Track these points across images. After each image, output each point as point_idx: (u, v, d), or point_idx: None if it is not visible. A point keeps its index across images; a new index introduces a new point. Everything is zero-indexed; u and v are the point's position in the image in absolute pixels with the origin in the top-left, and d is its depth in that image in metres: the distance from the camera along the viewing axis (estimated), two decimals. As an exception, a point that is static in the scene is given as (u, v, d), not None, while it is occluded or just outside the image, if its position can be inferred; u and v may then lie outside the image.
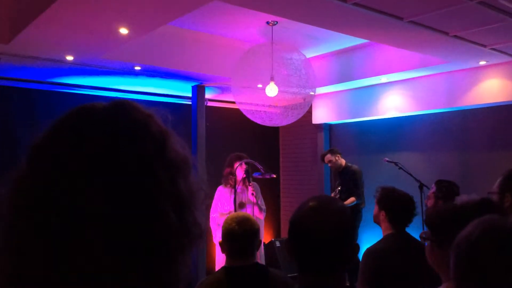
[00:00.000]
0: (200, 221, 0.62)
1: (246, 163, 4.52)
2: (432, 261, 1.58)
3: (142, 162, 0.55)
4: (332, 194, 5.57)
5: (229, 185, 4.63)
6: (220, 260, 4.58)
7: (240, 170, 4.54)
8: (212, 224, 4.60)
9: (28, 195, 0.54)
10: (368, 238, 5.58)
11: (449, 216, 1.56)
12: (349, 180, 5.58)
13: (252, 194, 4.49)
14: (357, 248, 1.32)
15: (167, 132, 0.61)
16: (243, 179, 4.53)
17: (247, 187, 4.57)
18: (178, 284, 0.60)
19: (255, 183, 4.73)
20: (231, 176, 4.59)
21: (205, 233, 0.64)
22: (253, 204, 4.51)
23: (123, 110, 0.59)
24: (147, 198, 0.55)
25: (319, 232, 1.27)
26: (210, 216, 4.66)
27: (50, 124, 0.58)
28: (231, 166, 4.62)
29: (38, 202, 0.53)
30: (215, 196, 4.71)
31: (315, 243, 1.28)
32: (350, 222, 1.33)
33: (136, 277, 0.54)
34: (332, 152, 5.75)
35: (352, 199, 5.48)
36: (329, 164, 5.78)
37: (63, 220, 0.52)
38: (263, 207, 4.71)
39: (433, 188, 3.54)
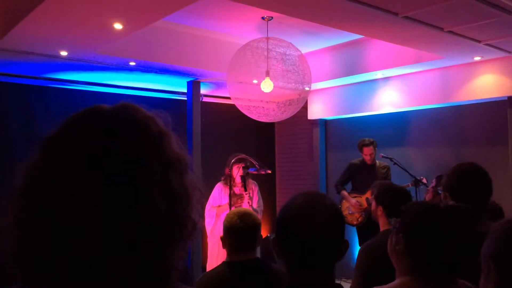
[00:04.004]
0: (194, 217, 0.67)
1: (243, 168, 4.53)
2: (388, 248, 1.58)
3: (138, 156, 0.62)
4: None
5: (227, 186, 4.67)
6: (212, 254, 4.60)
7: (237, 173, 4.58)
8: (206, 216, 4.71)
9: (38, 180, 0.62)
10: (363, 233, 5.61)
11: (416, 209, 1.57)
12: (378, 175, 5.35)
13: (248, 202, 4.53)
14: (346, 244, 1.30)
15: (166, 132, 0.68)
16: (241, 184, 4.58)
17: (245, 189, 4.60)
18: (170, 273, 0.65)
19: (254, 184, 4.76)
20: (227, 178, 4.63)
21: (199, 230, 0.69)
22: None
23: (125, 110, 0.68)
24: (139, 188, 0.61)
25: (307, 230, 1.25)
26: (206, 209, 4.73)
27: (63, 121, 0.66)
28: (230, 168, 4.64)
29: (45, 185, 0.61)
30: (213, 190, 4.75)
31: (304, 242, 1.25)
32: (339, 218, 1.31)
33: (127, 260, 0.60)
34: (374, 145, 5.47)
35: None
36: (367, 157, 5.44)
37: (64, 203, 0.59)
38: (261, 208, 4.74)
39: (433, 183, 3.56)
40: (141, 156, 0.63)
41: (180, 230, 0.65)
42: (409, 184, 5.09)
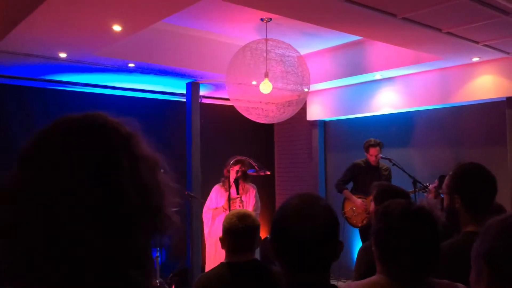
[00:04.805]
0: (168, 212, 0.74)
1: (237, 172, 4.53)
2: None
3: (109, 153, 0.70)
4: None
5: (224, 188, 4.68)
6: (210, 255, 4.61)
7: (234, 175, 4.59)
8: (203, 218, 4.75)
9: (23, 190, 0.67)
10: (363, 234, 5.60)
11: (379, 213, 1.59)
12: (381, 177, 5.34)
13: (239, 206, 4.54)
14: (341, 245, 1.31)
15: (134, 133, 0.76)
16: (235, 186, 4.58)
17: (237, 192, 4.60)
18: (147, 263, 0.72)
19: (252, 186, 4.75)
20: (226, 180, 4.62)
21: (175, 224, 0.76)
22: None
23: (94, 116, 0.75)
24: (110, 177, 0.68)
25: (302, 232, 1.25)
26: (203, 211, 4.76)
27: (37, 132, 0.73)
28: (228, 170, 4.64)
29: (31, 196, 0.67)
30: (211, 192, 4.77)
31: (298, 243, 1.25)
32: (333, 220, 1.31)
33: (102, 243, 0.66)
34: (381, 146, 5.43)
35: None
36: (372, 158, 5.41)
37: (46, 187, 0.66)
38: (257, 211, 4.73)
39: (436, 183, 3.55)
40: (112, 153, 0.70)
41: (154, 221, 0.72)
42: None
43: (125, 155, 0.71)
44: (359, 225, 5.46)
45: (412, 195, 4.54)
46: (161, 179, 0.75)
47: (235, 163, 4.59)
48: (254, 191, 4.80)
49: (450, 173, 2.15)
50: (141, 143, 0.76)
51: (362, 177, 5.46)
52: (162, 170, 0.77)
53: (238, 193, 4.57)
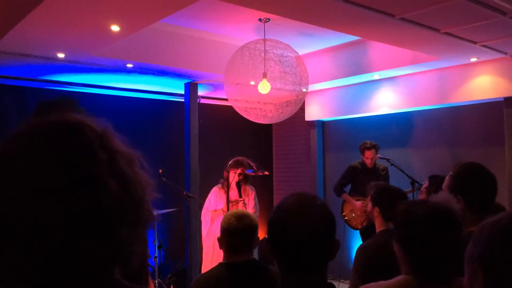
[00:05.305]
0: (148, 205, 0.76)
1: (239, 175, 4.50)
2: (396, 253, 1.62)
3: (84, 147, 0.72)
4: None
5: (223, 190, 4.65)
6: (207, 257, 4.60)
7: (233, 178, 4.54)
8: (202, 219, 4.72)
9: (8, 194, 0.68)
10: (361, 234, 5.59)
11: (404, 216, 1.59)
12: (378, 178, 5.30)
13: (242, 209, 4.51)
14: (337, 244, 1.31)
15: (108, 130, 0.78)
16: (237, 190, 4.55)
17: (239, 195, 4.58)
18: (131, 256, 0.73)
19: (251, 189, 4.74)
20: (225, 182, 4.59)
21: (154, 216, 0.78)
22: None
23: (66, 117, 0.77)
24: (89, 171, 0.70)
25: (298, 231, 1.26)
26: (202, 213, 4.74)
27: (14, 132, 0.75)
28: (227, 172, 4.60)
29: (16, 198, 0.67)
30: (209, 194, 4.75)
31: (295, 242, 1.26)
32: (330, 219, 1.31)
33: (86, 239, 0.67)
34: (376, 148, 5.39)
35: None
36: (368, 160, 5.39)
37: (28, 178, 0.67)
38: (256, 213, 4.72)
39: (426, 183, 3.56)
40: (87, 148, 0.72)
41: (138, 214, 0.73)
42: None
43: (101, 150, 0.72)
44: (359, 227, 5.45)
45: (409, 195, 4.55)
46: (140, 173, 0.77)
47: (236, 166, 4.53)
48: (254, 193, 4.78)
49: (450, 173, 2.15)
50: (115, 139, 0.77)
51: (359, 179, 5.44)
52: (139, 165, 0.78)
53: (240, 196, 4.51)
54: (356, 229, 5.51)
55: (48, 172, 0.68)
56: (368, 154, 5.36)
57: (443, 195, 3.16)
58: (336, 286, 4.71)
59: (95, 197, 0.68)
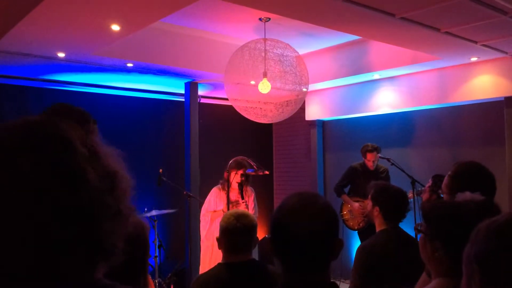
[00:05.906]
0: (127, 201, 0.78)
1: (241, 175, 4.46)
2: (424, 255, 1.56)
3: (63, 140, 0.74)
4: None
5: (223, 191, 4.62)
6: (205, 258, 4.57)
7: (233, 178, 4.49)
8: (201, 220, 4.69)
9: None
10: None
11: (448, 213, 1.53)
12: (379, 179, 5.10)
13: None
14: (340, 243, 1.30)
15: (85, 126, 0.82)
16: (238, 191, 4.50)
17: (241, 196, 4.54)
18: (114, 248, 0.74)
19: (251, 190, 4.72)
20: (225, 183, 4.55)
21: (134, 211, 0.80)
22: None
23: (44, 116, 0.81)
24: (68, 162, 0.71)
25: (302, 232, 1.25)
26: (201, 214, 4.70)
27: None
28: (228, 172, 4.52)
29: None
30: (209, 195, 4.71)
31: (297, 242, 1.25)
32: (333, 218, 1.31)
33: (67, 231, 0.68)
34: (378, 151, 5.36)
35: None
36: (370, 163, 5.37)
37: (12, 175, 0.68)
38: (256, 215, 4.68)
39: (430, 182, 3.56)
40: (66, 141, 0.74)
41: (118, 205, 0.75)
42: (412, 192, 4.98)
43: (80, 143, 0.75)
44: (356, 227, 5.49)
45: (410, 200, 4.53)
46: (119, 165, 0.78)
47: (237, 167, 4.47)
48: (253, 194, 4.74)
49: (449, 173, 2.14)
50: (93, 133, 0.80)
51: (359, 180, 5.44)
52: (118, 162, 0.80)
53: (243, 198, 4.45)
54: (353, 229, 5.54)
55: (25, 163, 0.68)
56: (370, 156, 5.36)
57: (424, 197, 3.12)
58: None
59: (74, 188, 0.69)
